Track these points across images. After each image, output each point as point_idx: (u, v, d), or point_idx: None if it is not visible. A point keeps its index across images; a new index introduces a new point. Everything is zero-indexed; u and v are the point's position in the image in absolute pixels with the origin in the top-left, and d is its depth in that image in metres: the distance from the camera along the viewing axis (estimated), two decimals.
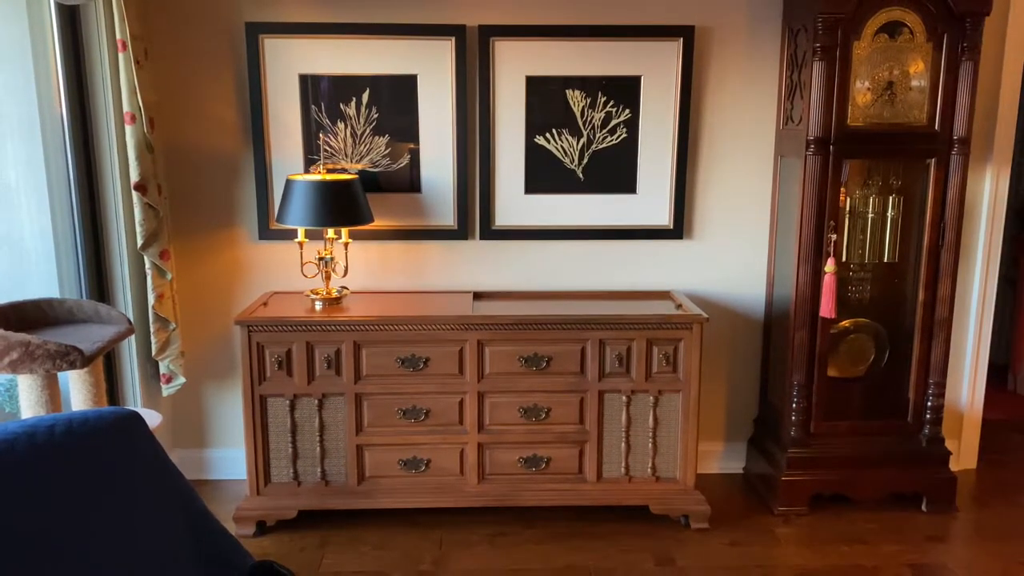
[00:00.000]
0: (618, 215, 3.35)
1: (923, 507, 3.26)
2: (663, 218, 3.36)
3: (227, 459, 3.49)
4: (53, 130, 2.88)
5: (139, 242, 2.96)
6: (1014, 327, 4.74)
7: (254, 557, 1.81)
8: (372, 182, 3.26)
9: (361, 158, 3.26)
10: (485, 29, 3.16)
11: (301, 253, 3.13)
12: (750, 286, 3.46)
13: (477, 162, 3.28)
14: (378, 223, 3.24)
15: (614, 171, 3.31)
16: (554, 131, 3.27)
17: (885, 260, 3.21)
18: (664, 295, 3.36)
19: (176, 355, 3.16)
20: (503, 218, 3.34)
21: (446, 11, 3.16)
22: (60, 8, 2.82)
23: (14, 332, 2.14)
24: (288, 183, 3.00)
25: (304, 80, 3.18)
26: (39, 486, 1.41)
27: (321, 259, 3.12)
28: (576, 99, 3.24)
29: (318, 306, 3.07)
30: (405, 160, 3.27)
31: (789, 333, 3.18)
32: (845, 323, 3.26)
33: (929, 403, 3.21)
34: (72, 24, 2.89)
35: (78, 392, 2.41)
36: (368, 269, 3.35)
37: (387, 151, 3.26)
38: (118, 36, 2.80)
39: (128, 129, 2.87)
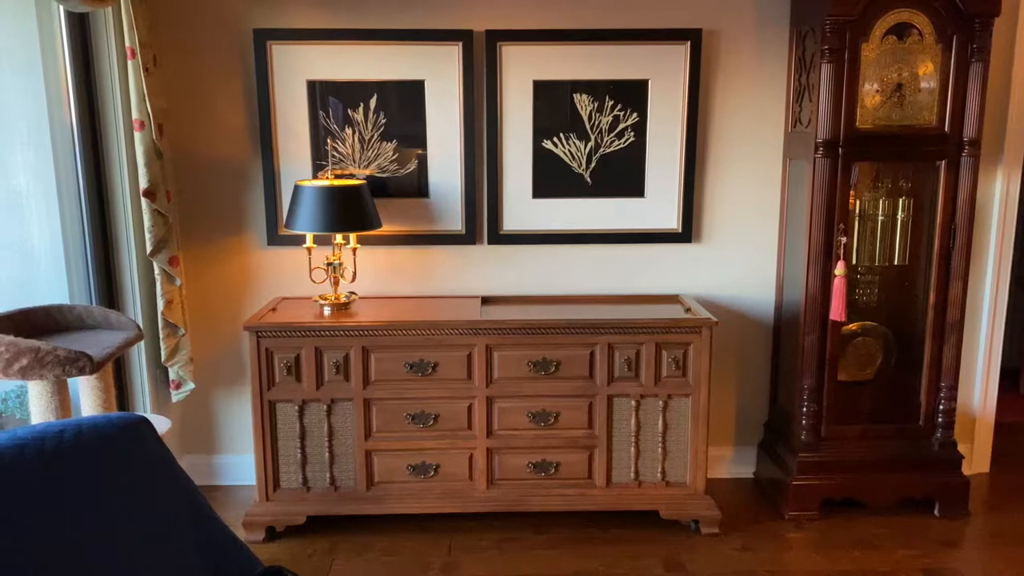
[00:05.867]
0: (626, 219, 3.34)
1: (935, 511, 3.24)
2: (671, 221, 3.35)
3: (236, 465, 3.49)
4: (62, 137, 2.90)
5: (148, 248, 2.97)
6: None
7: (263, 563, 1.81)
8: (380, 187, 3.26)
9: (369, 164, 3.27)
10: (492, 34, 3.16)
11: (309, 259, 3.13)
12: (759, 289, 3.45)
13: (485, 167, 3.28)
14: (386, 228, 3.25)
15: (622, 175, 3.31)
16: (562, 135, 3.27)
17: (895, 263, 3.19)
18: (673, 299, 3.35)
19: (185, 361, 3.17)
20: (511, 222, 3.34)
21: (453, 16, 3.16)
22: (69, 15, 2.84)
23: (24, 338, 2.14)
24: (296, 189, 3.01)
25: (312, 86, 3.19)
26: (48, 491, 1.41)
27: (329, 264, 3.12)
28: (583, 103, 3.24)
29: (327, 311, 3.07)
30: (413, 165, 3.28)
31: (799, 336, 3.16)
32: (852, 327, 3.24)
33: (941, 407, 3.18)
34: (81, 31, 2.90)
35: (88, 398, 2.41)
36: (376, 274, 3.35)
37: (395, 156, 3.27)
38: (127, 43, 2.81)
39: (137, 136, 2.88)
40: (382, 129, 3.23)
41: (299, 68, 3.17)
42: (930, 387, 3.19)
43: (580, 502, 3.11)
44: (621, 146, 3.28)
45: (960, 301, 3.11)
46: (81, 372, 2.16)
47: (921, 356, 3.20)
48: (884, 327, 3.29)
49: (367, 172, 3.27)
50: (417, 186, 3.29)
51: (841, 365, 3.23)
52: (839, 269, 3.03)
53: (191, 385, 3.21)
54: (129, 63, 2.83)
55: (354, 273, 3.21)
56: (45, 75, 2.82)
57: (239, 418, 3.46)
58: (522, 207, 3.32)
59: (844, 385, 3.23)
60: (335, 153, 3.24)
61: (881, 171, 3.16)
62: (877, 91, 2.97)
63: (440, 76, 3.19)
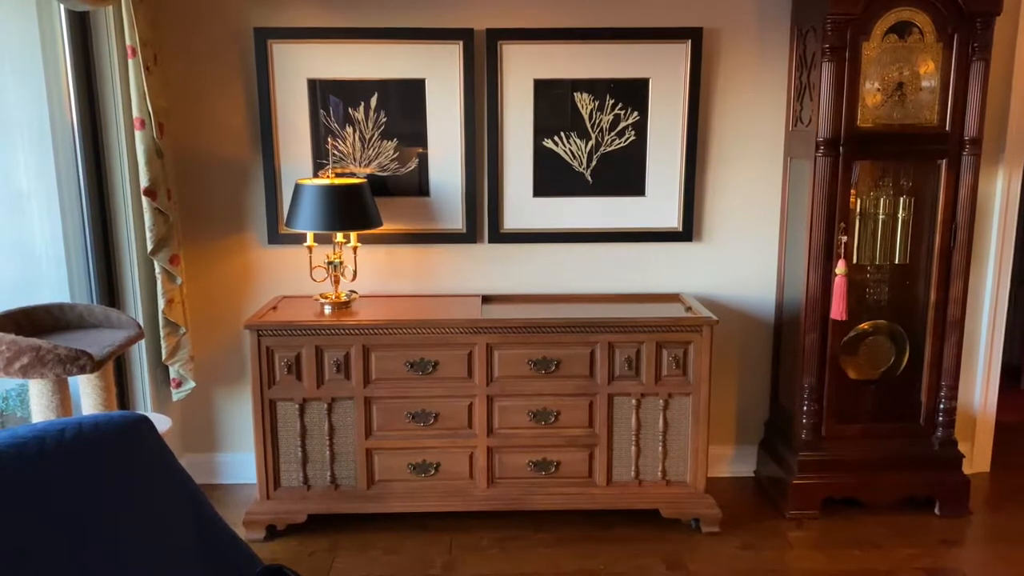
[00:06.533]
0: (627, 218, 3.34)
1: (936, 511, 3.24)
2: (672, 220, 3.35)
3: (237, 463, 3.50)
4: (63, 136, 2.90)
5: (149, 247, 2.97)
6: None
7: (263, 561, 1.81)
8: (381, 186, 3.26)
9: (370, 162, 3.27)
10: (493, 33, 3.16)
11: (310, 257, 3.13)
12: (760, 288, 3.44)
13: (485, 165, 3.28)
14: (387, 227, 3.25)
15: (623, 174, 3.30)
16: (562, 134, 3.26)
17: (896, 262, 3.19)
18: (673, 298, 3.35)
19: (186, 359, 3.17)
20: (512, 221, 3.34)
21: (454, 15, 3.16)
22: (70, 14, 2.84)
23: (25, 337, 2.15)
24: (297, 188, 3.01)
25: (313, 85, 3.19)
26: (49, 490, 1.41)
27: (330, 263, 3.12)
28: (584, 102, 3.24)
29: (327, 310, 3.07)
30: (413, 164, 3.28)
31: (800, 335, 3.16)
32: (864, 326, 3.23)
33: (941, 405, 3.18)
34: (82, 30, 2.91)
35: (88, 396, 2.42)
36: (377, 273, 3.35)
37: (395, 155, 3.27)
38: (128, 42, 2.81)
39: (138, 135, 2.88)
40: (383, 128, 3.23)
41: (300, 67, 3.17)
42: (931, 386, 3.19)
43: (581, 501, 3.11)
44: (622, 145, 3.28)
45: (961, 300, 3.11)
46: (82, 371, 2.16)
47: (922, 355, 3.20)
48: (896, 325, 3.26)
49: (368, 171, 3.27)
50: (418, 185, 3.29)
51: (854, 364, 3.23)
52: (840, 268, 3.03)
53: (192, 384, 3.21)
54: (130, 62, 2.83)
55: (355, 272, 3.21)
56: (46, 74, 2.82)
57: (240, 417, 3.46)
58: (523, 206, 3.32)
59: (845, 384, 3.23)
60: (336, 152, 3.24)
61: (882, 170, 3.16)
62: (878, 90, 2.97)
63: (441, 75, 3.19)
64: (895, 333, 3.25)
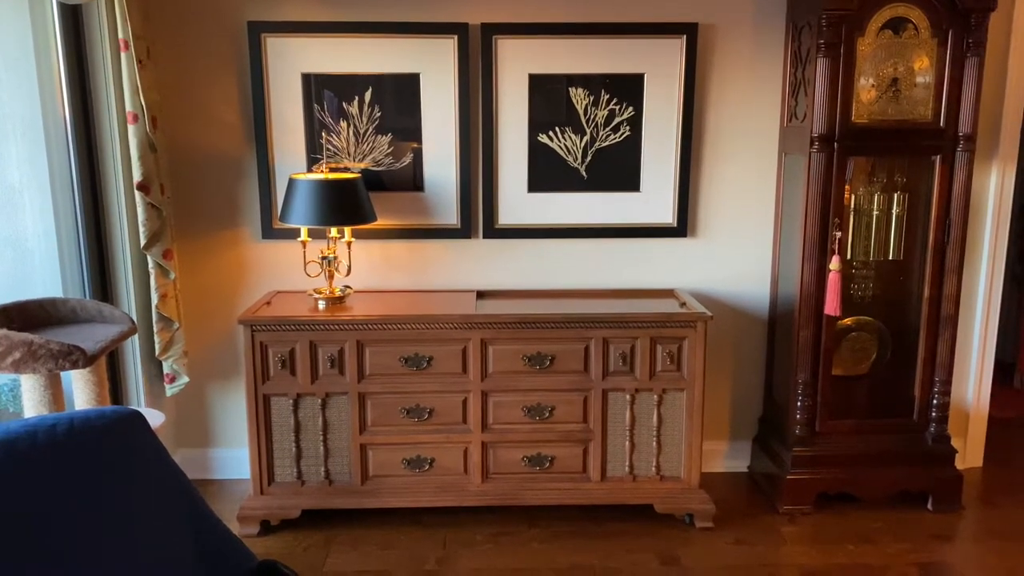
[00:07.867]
0: (622, 213, 3.34)
1: (929, 506, 3.25)
2: (667, 216, 3.35)
3: (231, 459, 3.49)
4: (56, 130, 2.88)
5: (142, 242, 2.96)
6: (1020, 324, 4.72)
7: (257, 557, 1.81)
8: (375, 181, 3.25)
9: (364, 157, 3.26)
10: (488, 27, 3.15)
11: (304, 252, 3.12)
12: (754, 284, 3.45)
13: (480, 161, 3.28)
14: (381, 222, 3.24)
15: (618, 169, 3.30)
16: (557, 129, 3.26)
17: (890, 257, 3.20)
18: (668, 293, 3.35)
19: (179, 355, 3.16)
20: (506, 217, 3.33)
21: (449, 9, 3.15)
22: (62, 8, 2.82)
23: (17, 332, 2.14)
24: (291, 182, 3.00)
25: (307, 79, 3.18)
26: (40, 485, 1.40)
27: (324, 258, 3.12)
28: (579, 97, 3.23)
29: (321, 305, 3.07)
30: (408, 159, 3.27)
31: (794, 331, 3.16)
32: (846, 321, 3.24)
33: (935, 401, 3.19)
34: (74, 24, 2.89)
35: (81, 392, 2.41)
36: (371, 268, 3.35)
37: (390, 150, 3.26)
38: (120, 35, 2.80)
39: (131, 129, 2.87)
40: (377, 122, 3.23)
41: (294, 61, 3.16)
42: (924, 381, 3.20)
43: (575, 496, 3.11)
44: (616, 140, 3.28)
45: (955, 295, 3.11)
46: (74, 366, 2.16)
47: (915, 351, 3.21)
48: (879, 322, 3.29)
49: (362, 166, 3.26)
50: (412, 180, 3.29)
51: (836, 360, 3.24)
52: (834, 264, 3.03)
53: (185, 379, 3.20)
54: (123, 55, 2.81)
55: (349, 267, 3.20)
56: (38, 68, 2.80)
57: (233, 412, 3.46)
58: (517, 201, 3.32)
59: (838, 380, 3.23)
60: (330, 146, 3.23)
61: (876, 166, 3.16)
62: (873, 86, 2.97)
63: (436, 69, 3.18)
64: (878, 330, 3.26)
